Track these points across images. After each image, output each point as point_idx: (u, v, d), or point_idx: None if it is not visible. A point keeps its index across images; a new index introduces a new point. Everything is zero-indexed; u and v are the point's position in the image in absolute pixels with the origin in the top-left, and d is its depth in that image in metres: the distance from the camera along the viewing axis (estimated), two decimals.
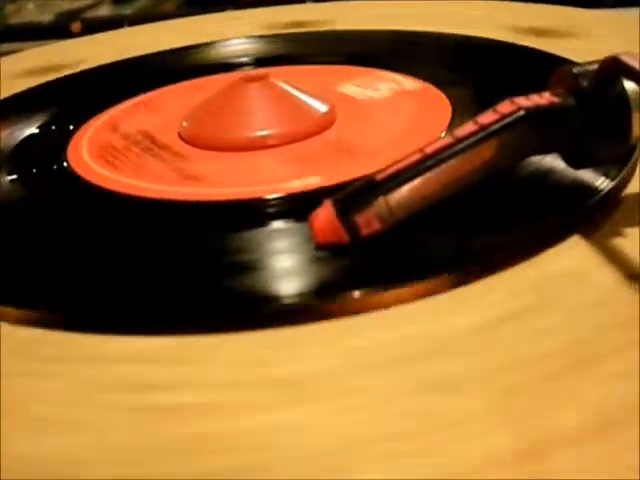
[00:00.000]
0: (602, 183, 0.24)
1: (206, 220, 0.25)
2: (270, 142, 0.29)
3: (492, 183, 0.23)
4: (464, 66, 0.34)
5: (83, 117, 0.34)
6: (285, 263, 0.23)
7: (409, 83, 0.33)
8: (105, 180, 0.28)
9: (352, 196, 0.22)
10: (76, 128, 0.33)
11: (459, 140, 0.22)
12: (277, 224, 0.25)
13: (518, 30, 0.38)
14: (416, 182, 0.22)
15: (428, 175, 0.22)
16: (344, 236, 0.22)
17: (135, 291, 0.22)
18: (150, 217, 0.26)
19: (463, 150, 0.22)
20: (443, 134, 0.28)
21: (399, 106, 0.31)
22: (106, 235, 0.25)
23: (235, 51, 0.41)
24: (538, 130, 0.22)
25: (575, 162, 0.24)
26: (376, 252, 0.22)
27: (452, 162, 0.22)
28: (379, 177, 0.22)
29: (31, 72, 0.41)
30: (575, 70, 0.23)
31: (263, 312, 0.21)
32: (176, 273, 0.23)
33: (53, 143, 0.32)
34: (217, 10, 0.56)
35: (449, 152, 0.22)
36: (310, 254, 0.22)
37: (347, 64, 0.36)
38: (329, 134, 0.30)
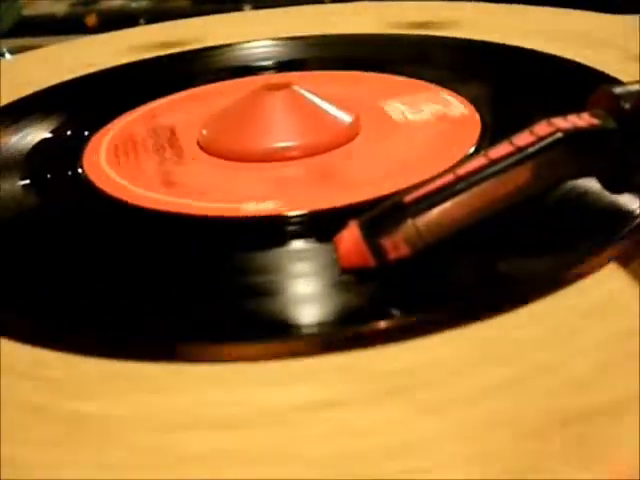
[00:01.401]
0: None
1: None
2: (283, 155, 0.28)
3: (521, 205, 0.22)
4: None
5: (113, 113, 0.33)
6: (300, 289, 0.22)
7: (457, 108, 0.31)
8: (104, 178, 0.27)
9: (379, 218, 0.21)
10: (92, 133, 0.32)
11: (493, 162, 0.21)
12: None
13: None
14: (447, 205, 0.21)
15: (459, 198, 0.21)
16: (370, 260, 0.21)
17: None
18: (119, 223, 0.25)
19: (497, 173, 0.21)
20: (472, 152, 0.27)
21: (430, 133, 0.30)
22: (93, 241, 0.24)
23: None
24: (576, 153, 0.21)
25: (613, 186, 0.22)
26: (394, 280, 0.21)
27: (485, 185, 0.21)
28: (407, 199, 0.21)
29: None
30: (616, 91, 0.22)
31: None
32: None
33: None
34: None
35: (482, 174, 0.21)
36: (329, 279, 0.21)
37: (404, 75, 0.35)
38: (345, 151, 0.29)
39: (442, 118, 0.30)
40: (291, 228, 0.24)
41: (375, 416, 0.17)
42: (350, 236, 0.21)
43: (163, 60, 0.39)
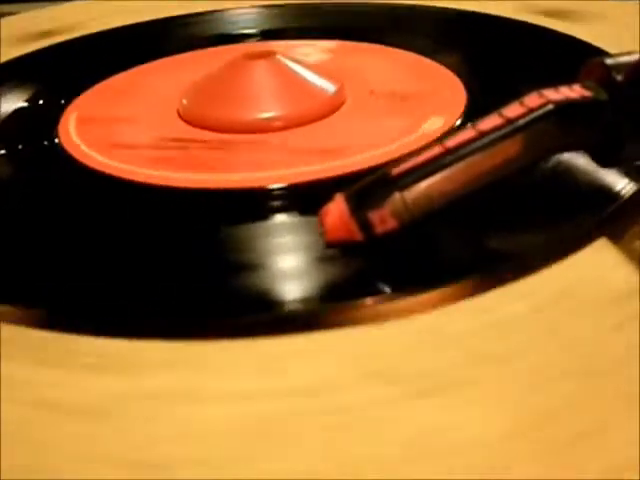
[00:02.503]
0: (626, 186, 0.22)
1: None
2: (267, 126, 0.28)
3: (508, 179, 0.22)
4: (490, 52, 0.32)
5: (75, 89, 0.32)
6: (284, 264, 0.21)
7: (440, 76, 0.31)
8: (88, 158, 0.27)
9: (366, 191, 0.21)
10: (68, 102, 0.31)
11: (482, 134, 0.21)
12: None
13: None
14: (435, 178, 0.20)
15: (448, 171, 0.21)
16: (357, 234, 0.20)
17: (120, 291, 0.20)
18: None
19: (487, 145, 0.21)
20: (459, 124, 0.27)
21: (415, 101, 0.29)
22: (88, 220, 0.24)
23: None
24: (568, 126, 0.21)
25: (603, 160, 0.22)
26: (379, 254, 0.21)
27: (474, 158, 0.21)
28: (395, 171, 0.21)
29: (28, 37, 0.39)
30: (608, 62, 0.21)
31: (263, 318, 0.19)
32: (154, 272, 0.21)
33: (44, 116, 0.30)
34: None
35: (472, 147, 0.21)
36: (313, 254, 0.21)
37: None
38: (330, 121, 0.28)
39: (426, 86, 0.30)
40: (276, 202, 0.24)
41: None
42: (336, 209, 0.21)
43: (141, 27, 0.38)
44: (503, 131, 0.21)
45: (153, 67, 0.34)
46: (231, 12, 0.39)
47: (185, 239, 0.22)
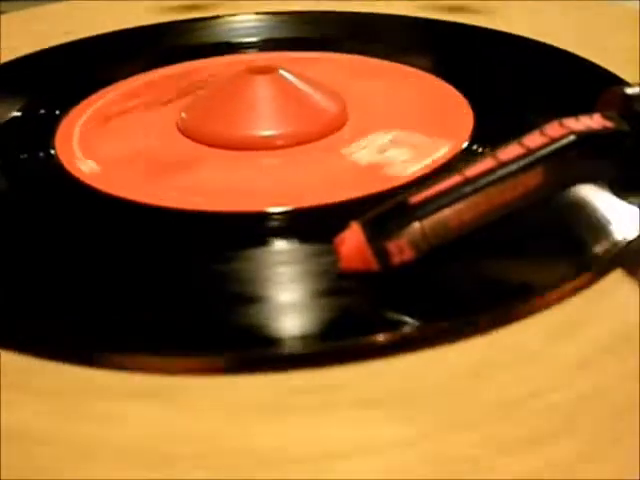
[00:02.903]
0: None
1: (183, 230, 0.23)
2: (269, 144, 0.27)
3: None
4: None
5: (71, 98, 0.31)
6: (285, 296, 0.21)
7: (426, 79, 0.30)
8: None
9: (383, 219, 0.20)
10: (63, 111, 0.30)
11: (503, 164, 0.20)
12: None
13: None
14: (454, 208, 0.20)
15: (468, 201, 0.20)
16: (373, 264, 0.20)
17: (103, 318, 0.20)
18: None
19: (508, 176, 0.20)
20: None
21: (419, 119, 0.29)
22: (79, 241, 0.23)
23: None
24: (590, 156, 0.21)
25: (622, 190, 0.22)
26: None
27: (495, 188, 0.20)
28: (413, 200, 0.20)
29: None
30: (629, 92, 0.21)
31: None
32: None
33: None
34: None
35: (492, 177, 0.20)
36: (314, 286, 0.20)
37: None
38: (334, 140, 0.27)
39: (428, 105, 0.29)
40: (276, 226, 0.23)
41: None
42: (353, 238, 0.20)
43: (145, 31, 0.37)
44: (524, 161, 0.20)
45: (150, 77, 0.33)
46: (231, 19, 0.38)
47: (182, 264, 0.22)
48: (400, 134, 0.27)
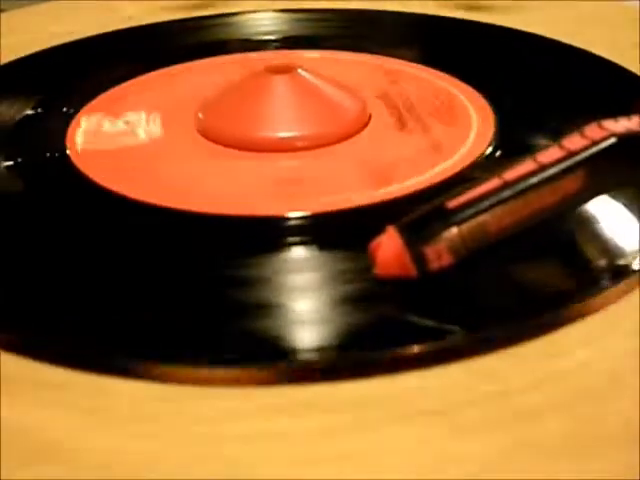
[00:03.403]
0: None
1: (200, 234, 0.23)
2: (288, 145, 0.26)
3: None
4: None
5: (85, 96, 0.30)
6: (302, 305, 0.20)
7: (450, 82, 0.30)
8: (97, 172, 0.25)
9: (420, 224, 0.20)
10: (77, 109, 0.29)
11: (543, 167, 0.20)
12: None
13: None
14: (493, 213, 0.19)
15: (507, 206, 0.20)
16: (411, 270, 0.19)
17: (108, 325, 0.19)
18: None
19: (548, 179, 0.20)
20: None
21: (441, 117, 0.28)
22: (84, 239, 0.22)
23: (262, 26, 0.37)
24: (630, 159, 0.20)
25: None
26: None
27: (534, 192, 0.20)
28: (451, 204, 0.20)
29: None
30: None
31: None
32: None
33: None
34: None
35: (532, 181, 0.20)
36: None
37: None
38: (355, 143, 0.27)
39: (446, 101, 0.29)
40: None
41: None
42: (390, 244, 0.19)
43: (146, 30, 0.36)
44: (565, 164, 0.20)
45: (166, 74, 0.32)
46: (250, 16, 0.37)
47: (195, 268, 0.21)
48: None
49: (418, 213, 0.20)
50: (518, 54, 0.33)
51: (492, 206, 0.19)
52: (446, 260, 0.19)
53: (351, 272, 0.20)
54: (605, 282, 0.20)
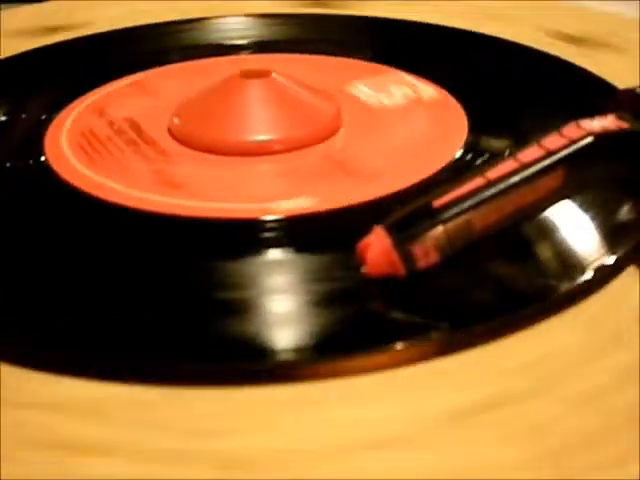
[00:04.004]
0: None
1: (185, 238, 0.23)
2: (265, 149, 0.27)
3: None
4: (488, 73, 0.32)
5: (65, 98, 0.30)
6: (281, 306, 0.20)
7: (427, 90, 0.30)
8: (79, 176, 0.25)
9: (407, 224, 0.20)
10: (57, 111, 0.29)
11: (524, 166, 0.20)
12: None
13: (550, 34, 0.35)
14: (479, 211, 0.20)
15: (492, 204, 0.20)
16: (400, 268, 0.20)
17: (90, 329, 0.19)
18: (111, 228, 0.23)
19: (530, 178, 0.20)
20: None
21: (412, 118, 0.28)
22: (66, 243, 0.22)
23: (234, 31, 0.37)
24: (608, 157, 0.21)
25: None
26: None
27: (517, 190, 0.20)
28: (437, 204, 0.20)
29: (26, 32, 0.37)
30: None
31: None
32: (137, 305, 0.20)
33: (29, 128, 0.28)
34: None
35: (515, 179, 0.20)
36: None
37: (361, 57, 0.33)
38: (330, 145, 0.27)
39: (416, 101, 0.29)
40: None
41: None
42: (379, 243, 0.20)
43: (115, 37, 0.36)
44: (545, 163, 0.20)
45: (141, 79, 0.32)
46: (224, 20, 0.37)
47: (174, 271, 0.21)
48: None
49: (404, 212, 0.20)
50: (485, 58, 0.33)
51: (477, 204, 0.20)
52: (433, 258, 0.20)
53: (326, 272, 0.21)
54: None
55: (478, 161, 0.25)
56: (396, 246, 0.20)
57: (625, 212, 0.22)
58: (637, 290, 0.20)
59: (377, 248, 0.20)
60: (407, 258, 0.20)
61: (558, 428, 0.16)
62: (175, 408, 0.17)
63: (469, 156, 0.26)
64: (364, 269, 0.20)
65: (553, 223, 0.21)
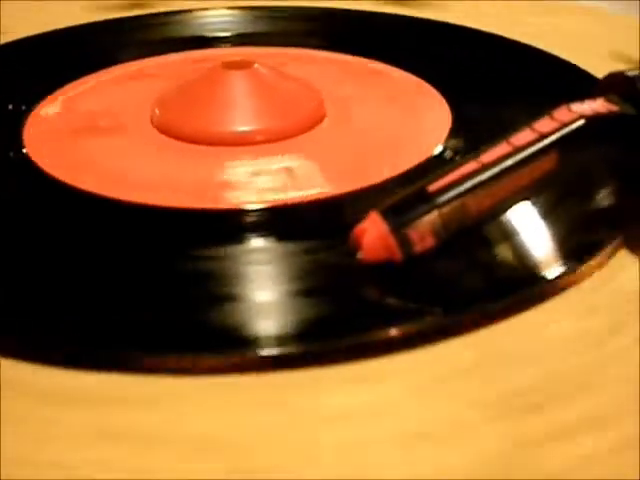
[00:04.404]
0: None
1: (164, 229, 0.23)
2: (247, 139, 0.26)
3: None
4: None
5: (45, 90, 0.30)
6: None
7: (402, 76, 0.30)
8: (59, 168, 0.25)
9: (403, 209, 0.20)
10: (36, 102, 0.29)
11: (517, 149, 0.20)
12: None
13: None
14: (473, 195, 0.20)
15: (486, 188, 0.20)
16: (397, 253, 0.20)
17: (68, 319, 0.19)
18: (92, 218, 0.23)
19: (523, 161, 0.20)
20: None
21: (392, 109, 0.28)
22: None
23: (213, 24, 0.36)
24: (599, 139, 0.21)
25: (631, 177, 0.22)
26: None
27: (511, 174, 0.20)
28: (431, 188, 0.20)
29: None
30: (631, 75, 0.22)
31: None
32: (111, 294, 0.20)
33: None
34: None
35: (508, 163, 0.20)
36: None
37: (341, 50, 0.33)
38: (312, 136, 0.27)
39: (398, 94, 0.29)
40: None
41: None
42: (375, 228, 0.20)
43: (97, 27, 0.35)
44: (538, 146, 0.20)
45: (120, 71, 0.32)
46: (203, 13, 0.37)
47: (155, 263, 0.21)
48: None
49: (399, 197, 0.20)
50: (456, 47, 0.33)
51: (471, 188, 0.20)
52: (429, 242, 0.20)
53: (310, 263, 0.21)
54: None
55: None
56: (393, 231, 0.20)
57: (611, 197, 0.22)
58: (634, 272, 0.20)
59: (373, 233, 0.20)
60: (404, 243, 0.20)
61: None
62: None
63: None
64: (360, 255, 0.20)
65: (544, 211, 0.22)
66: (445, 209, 0.20)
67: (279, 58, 0.31)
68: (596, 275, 0.20)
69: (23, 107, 0.29)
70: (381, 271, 0.20)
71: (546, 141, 0.20)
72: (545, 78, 0.30)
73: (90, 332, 0.19)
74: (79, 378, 0.18)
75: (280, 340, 0.19)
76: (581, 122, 0.21)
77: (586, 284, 0.20)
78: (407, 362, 0.18)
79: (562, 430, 0.16)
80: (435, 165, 0.24)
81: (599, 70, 0.26)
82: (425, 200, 0.20)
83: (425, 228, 0.20)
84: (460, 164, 0.20)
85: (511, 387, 0.17)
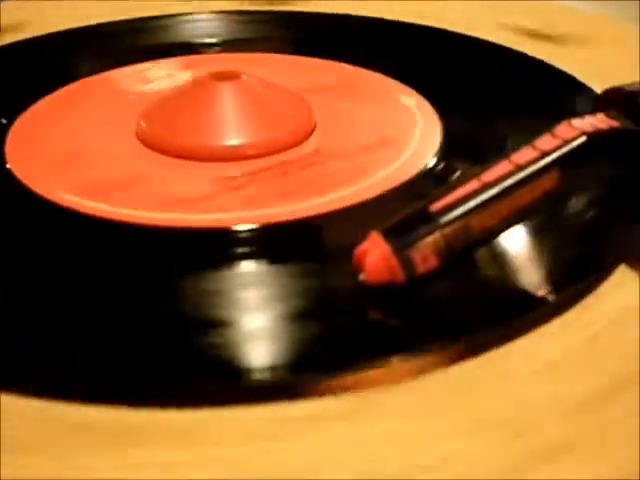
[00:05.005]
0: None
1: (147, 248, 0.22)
2: (237, 154, 0.26)
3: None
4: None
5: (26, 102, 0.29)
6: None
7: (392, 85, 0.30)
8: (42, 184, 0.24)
9: (405, 229, 0.20)
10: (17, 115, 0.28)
11: (519, 167, 0.20)
12: None
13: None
14: (476, 215, 0.20)
15: (488, 207, 0.20)
16: (400, 274, 0.19)
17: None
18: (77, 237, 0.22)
19: (525, 180, 0.20)
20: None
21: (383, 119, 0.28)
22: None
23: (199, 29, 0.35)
24: (601, 155, 0.21)
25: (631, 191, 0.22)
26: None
27: (513, 193, 0.20)
28: (433, 208, 0.20)
29: None
30: (630, 89, 0.21)
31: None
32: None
33: None
34: None
35: (510, 181, 0.20)
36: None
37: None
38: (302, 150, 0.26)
39: (390, 105, 0.29)
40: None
41: None
42: (377, 249, 0.19)
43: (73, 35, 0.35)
44: (540, 164, 0.20)
45: (103, 79, 0.31)
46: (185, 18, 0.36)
47: (142, 283, 0.21)
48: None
49: (401, 217, 0.20)
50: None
51: (474, 208, 0.20)
52: (432, 263, 0.20)
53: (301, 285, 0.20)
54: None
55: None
56: (395, 252, 0.19)
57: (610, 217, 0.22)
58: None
59: (376, 255, 0.19)
60: (407, 264, 0.19)
61: None
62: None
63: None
64: (362, 276, 0.19)
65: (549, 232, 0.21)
66: (448, 229, 0.20)
67: (262, 64, 0.31)
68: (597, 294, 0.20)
69: (4, 121, 0.28)
70: (382, 294, 0.19)
71: (548, 159, 0.20)
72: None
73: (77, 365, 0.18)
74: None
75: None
76: (583, 139, 0.20)
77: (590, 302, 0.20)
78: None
79: None
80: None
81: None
82: (427, 220, 0.20)
83: (428, 249, 0.19)
84: (461, 183, 0.20)
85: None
